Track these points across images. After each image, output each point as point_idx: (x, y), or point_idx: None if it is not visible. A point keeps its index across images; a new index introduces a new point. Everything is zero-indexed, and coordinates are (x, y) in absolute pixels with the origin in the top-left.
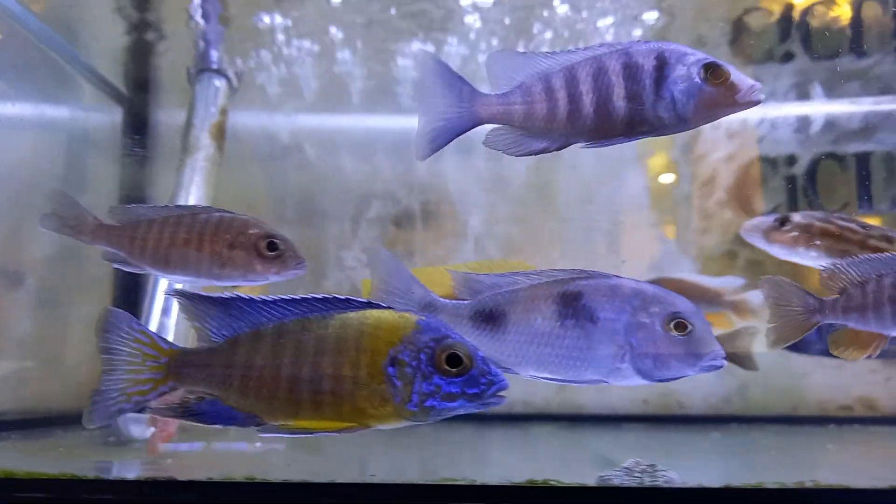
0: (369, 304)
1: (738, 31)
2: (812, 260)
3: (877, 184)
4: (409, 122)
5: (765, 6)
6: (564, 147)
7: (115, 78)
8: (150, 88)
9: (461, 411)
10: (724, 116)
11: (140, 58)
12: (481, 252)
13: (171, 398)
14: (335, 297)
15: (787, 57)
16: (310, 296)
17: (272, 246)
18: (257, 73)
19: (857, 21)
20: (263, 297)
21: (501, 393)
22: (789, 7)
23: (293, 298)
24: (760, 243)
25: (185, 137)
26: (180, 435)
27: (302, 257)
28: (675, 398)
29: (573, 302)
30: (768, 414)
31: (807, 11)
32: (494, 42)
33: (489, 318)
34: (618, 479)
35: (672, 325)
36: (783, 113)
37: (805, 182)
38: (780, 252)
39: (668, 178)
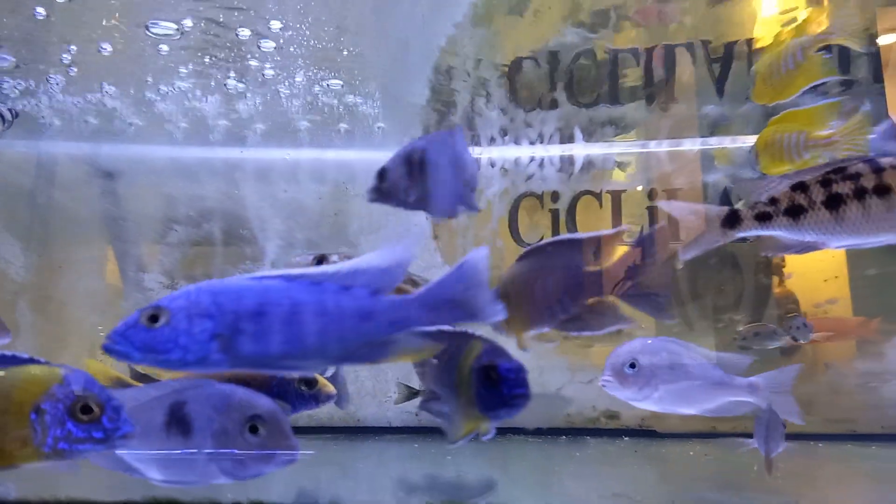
0: (31, 360)
1: (514, 80)
2: None
3: (627, 217)
4: (211, 152)
5: (534, 58)
6: None
7: None
8: None
9: (94, 452)
10: None
11: None
12: None
13: None
14: (2, 354)
15: (553, 104)
16: None
17: None
18: (64, 104)
19: (613, 74)
20: None
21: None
22: (556, 60)
23: None
24: None
25: None
26: None
27: None
28: None
29: (178, 411)
30: (523, 426)
31: (571, 65)
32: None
33: None
34: None
35: (248, 427)
36: (549, 154)
37: (566, 216)
38: None
39: None
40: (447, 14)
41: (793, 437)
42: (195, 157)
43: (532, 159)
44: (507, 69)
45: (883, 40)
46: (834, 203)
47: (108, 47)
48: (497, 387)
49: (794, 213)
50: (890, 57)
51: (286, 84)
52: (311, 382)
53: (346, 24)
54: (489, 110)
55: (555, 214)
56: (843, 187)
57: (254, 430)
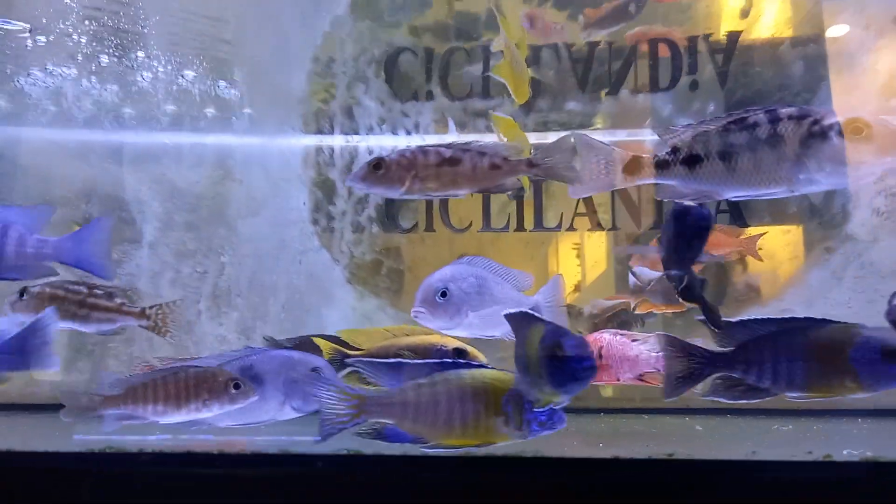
0: (481, 366)
1: (391, 71)
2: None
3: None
4: (91, 136)
5: (412, 50)
6: None
7: None
8: None
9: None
10: None
11: None
12: (156, 257)
13: None
14: (467, 362)
15: (430, 96)
16: (435, 360)
17: None
18: None
19: (485, 69)
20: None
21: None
22: (431, 52)
23: (428, 362)
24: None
25: None
26: None
27: None
28: None
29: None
30: None
31: (447, 58)
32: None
33: None
34: None
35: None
36: (427, 142)
37: (438, 201)
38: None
39: (329, 195)
40: (327, 6)
41: None
42: (75, 139)
43: (407, 147)
44: (385, 61)
45: (831, 33)
46: (727, 154)
47: None
48: (565, 363)
49: (691, 162)
50: (833, 50)
51: (167, 70)
52: (462, 352)
53: (226, 14)
54: (368, 100)
55: (429, 199)
56: (739, 137)
57: None
